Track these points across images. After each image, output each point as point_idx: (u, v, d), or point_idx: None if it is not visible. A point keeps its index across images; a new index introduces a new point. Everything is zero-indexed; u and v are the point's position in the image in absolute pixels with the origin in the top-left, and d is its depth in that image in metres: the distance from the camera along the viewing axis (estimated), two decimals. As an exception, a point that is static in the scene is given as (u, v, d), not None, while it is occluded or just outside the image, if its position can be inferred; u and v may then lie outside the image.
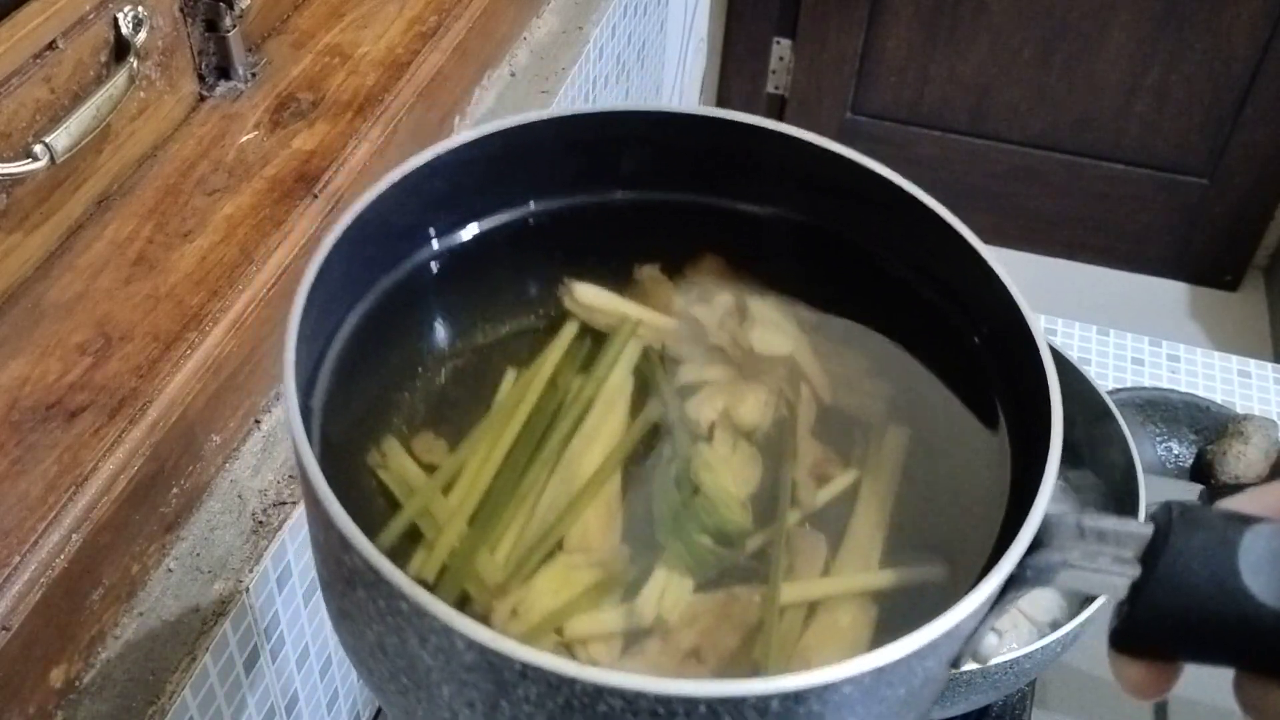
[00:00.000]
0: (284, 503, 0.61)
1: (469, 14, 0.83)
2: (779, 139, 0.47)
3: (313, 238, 0.65)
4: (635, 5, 1.15)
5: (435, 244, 0.48)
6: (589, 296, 0.48)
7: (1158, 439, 0.95)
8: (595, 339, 0.48)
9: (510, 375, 0.46)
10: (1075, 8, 1.96)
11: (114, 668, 0.53)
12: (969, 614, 0.34)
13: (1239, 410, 0.97)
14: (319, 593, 0.66)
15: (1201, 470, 0.92)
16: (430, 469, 0.43)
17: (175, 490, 0.57)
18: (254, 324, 0.60)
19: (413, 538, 0.41)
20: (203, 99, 0.71)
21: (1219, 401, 0.97)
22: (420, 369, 0.46)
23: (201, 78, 0.70)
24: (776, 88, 2.20)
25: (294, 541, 0.61)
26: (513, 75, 0.92)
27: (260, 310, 0.61)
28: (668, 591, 0.40)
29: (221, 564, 0.58)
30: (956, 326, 0.47)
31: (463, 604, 0.39)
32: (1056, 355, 0.73)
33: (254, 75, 0.73)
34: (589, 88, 1.03)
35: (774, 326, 0.48)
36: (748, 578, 0.41)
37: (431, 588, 0.39)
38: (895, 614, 0.40)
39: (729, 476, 0.43)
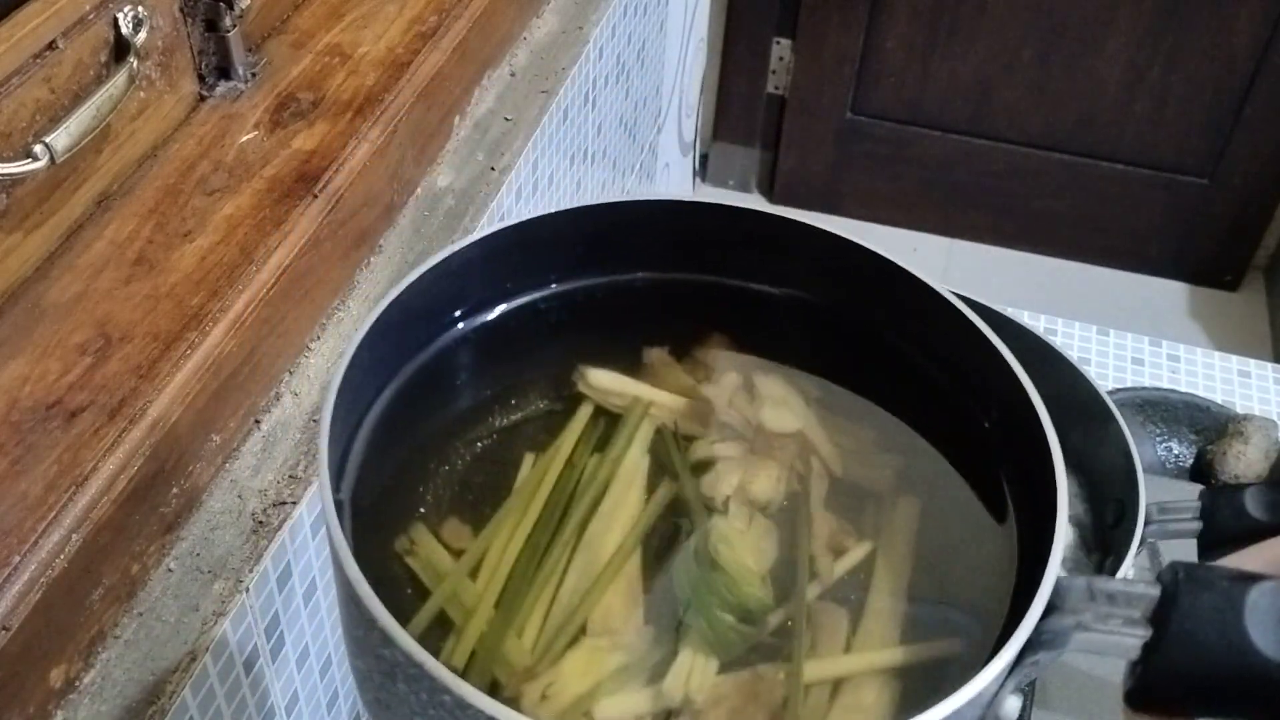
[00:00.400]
0: (284, 503, 0.61)
1: (469, 14, 0.83)
2: (794, 227, 0.49)
3: (313, 238, 0.65)
4: (635, 5, 1.15)
5: (454, 331, 0.49)
6: (601, 380, 0.50)
7: (1158, 439, 0.95)
8: (610, 420, 0.49)
9: (529, 458, 0.47)
10: (1075, 8, 1.96)
11: (114, 668, 0.53)
12: (988, 683, 0.35)
13: (1239, 410, 0.97)
14: (319, 592, 0.66)
15: (1201, 470, 0.91)
16: (455, 553, 0.44)
17: (175, 490, 0.57)
18: (254, 324, 0.60)
19: (441, 622, 0.42)
20: (203, 99, 0.71)
21: (1219, 401, 0.97)
22: (442, 454, 0.47)
23: (201, 78, 0.70)
24: (776, 88, 2.20)
25: (294, 541, 0.61)
26: (513, 75, 0.92)
27: (260, 310, 0.61)
28: (694, 672, 0.41)
29: (221, 564, 0.57)
30: (959, 399, 0.48)
31: (492, 688, 0.40)
32: (1057, 355, 0.73)
33: (254, 75, 0.73)
34: (589, 88, 1.03)
35: (782, 403, 0.50)
36: (771, 655, 0.42)
37: (462, 673, 0.39)
38: (917, 687, 0.41)
39: (746, 552, 0.44)
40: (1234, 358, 1.07)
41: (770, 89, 2.21)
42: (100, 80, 0.60)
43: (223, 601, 0.56)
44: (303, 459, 0.63)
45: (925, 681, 0.41)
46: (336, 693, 0.72)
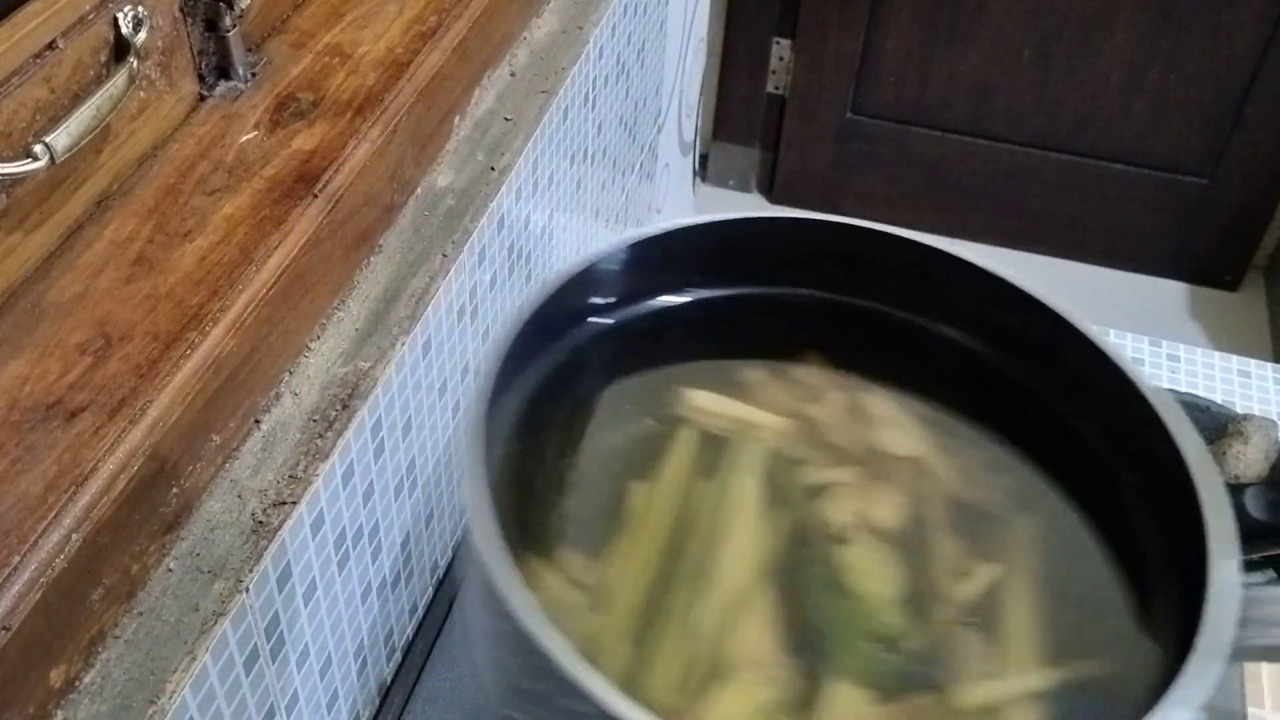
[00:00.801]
0: (284, 503, 0.61)
1: (469, 14, 0.83)
2: (951, 261, 0.49)
3: (313, 238, 0.65)
4: (635, 5, 1.15)
5: (552, 352, 0.48)
6: (704, 402, 0.48)
7: (1158, 439, 0.95)
8: (713, 443, 0.48)
9: (636, 485, 0.46)
10: (1075, 8, 1.96)
11: (114, 668, 0.53)
12: (1201, 701, 0.35)
13: (1239, 410, 0.97)
14: (319, 592, 0.66)
15: (1201, 470, 0.91)
16: (576, 586, 0.43)
17: (175, 490, 0.57)
18: (254, 324, 0.60)
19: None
20: (203, 99, 0.71)
21: (1219, 401, 0.97)
22: (549, 480, 0.46)
23: (201, 78, 0.70)
24: (776, 88, 2.21)
25: (294, 542, 0.61)
26: (513, 75, 0.92)
27: (260, 310, 0.61)
28: (849, 705, 0.40)
29: (221, 564, 0.58)
30: (1064, 407, 0.48)
31: None
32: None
33: (254, 75, 0.73)
34: (589, 88, 1.03)
35: (896, 424, 0.49)
36: (916, 683, 0.41)
37: None
38: (1066, 711, 0.40)
39: (877, 579, 0.43)
40: (1234, 358, 1.07)
41: (770, 89, 2.21)
42: (100, 80, 0.60)
43: (223, 601, 0.56)
44: (303, 459, 0.63)
45: (1074, 706, 0.40)
46: (336, 693, 0.72)
